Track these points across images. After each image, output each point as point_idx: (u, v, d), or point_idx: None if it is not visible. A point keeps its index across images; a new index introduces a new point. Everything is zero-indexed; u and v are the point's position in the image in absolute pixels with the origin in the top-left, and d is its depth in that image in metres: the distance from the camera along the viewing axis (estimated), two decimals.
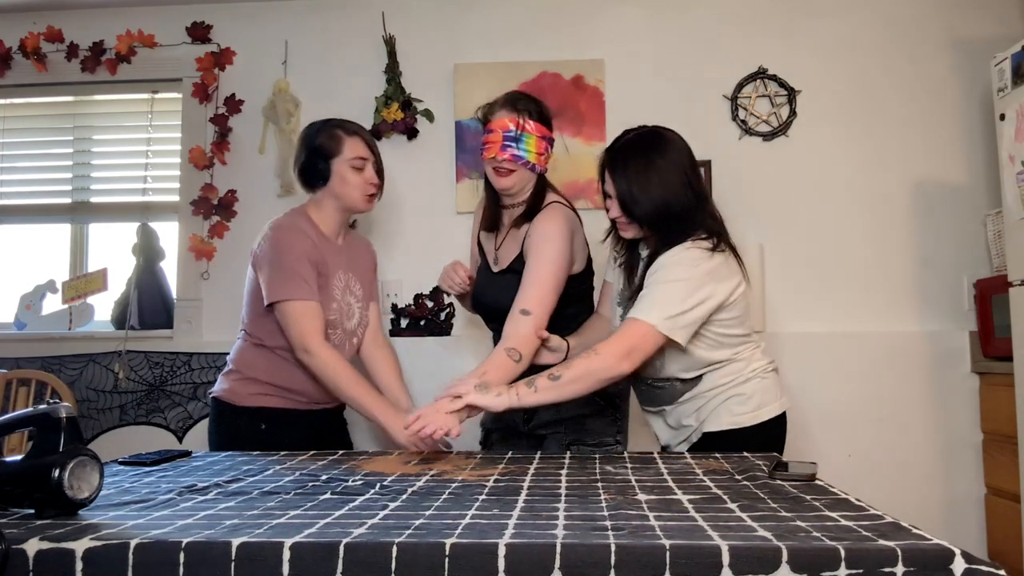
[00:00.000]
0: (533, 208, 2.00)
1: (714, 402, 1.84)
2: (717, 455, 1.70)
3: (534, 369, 1.82)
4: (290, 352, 2.04)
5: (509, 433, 2.12)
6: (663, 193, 1.79)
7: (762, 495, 1.26)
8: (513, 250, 2.03)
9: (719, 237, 1.81)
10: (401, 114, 2.92)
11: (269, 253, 2.04)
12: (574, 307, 2.05)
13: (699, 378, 1.85)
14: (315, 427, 2.14)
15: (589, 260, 2.09)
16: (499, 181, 1.99)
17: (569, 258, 1.96)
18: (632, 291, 1.85)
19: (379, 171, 2.16)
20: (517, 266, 1.99)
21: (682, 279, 1.74)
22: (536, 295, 1.88)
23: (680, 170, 1.82)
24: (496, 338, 2.14)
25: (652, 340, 1.74)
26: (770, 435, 1.84)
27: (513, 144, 1.93)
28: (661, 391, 1.91)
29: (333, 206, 2.13)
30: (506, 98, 2.01)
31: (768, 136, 2.88)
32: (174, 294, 3.03)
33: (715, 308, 1.77)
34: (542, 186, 2.04)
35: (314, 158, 2.10)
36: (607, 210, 1.89)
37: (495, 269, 2.09)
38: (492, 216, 2.09)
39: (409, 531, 1.03)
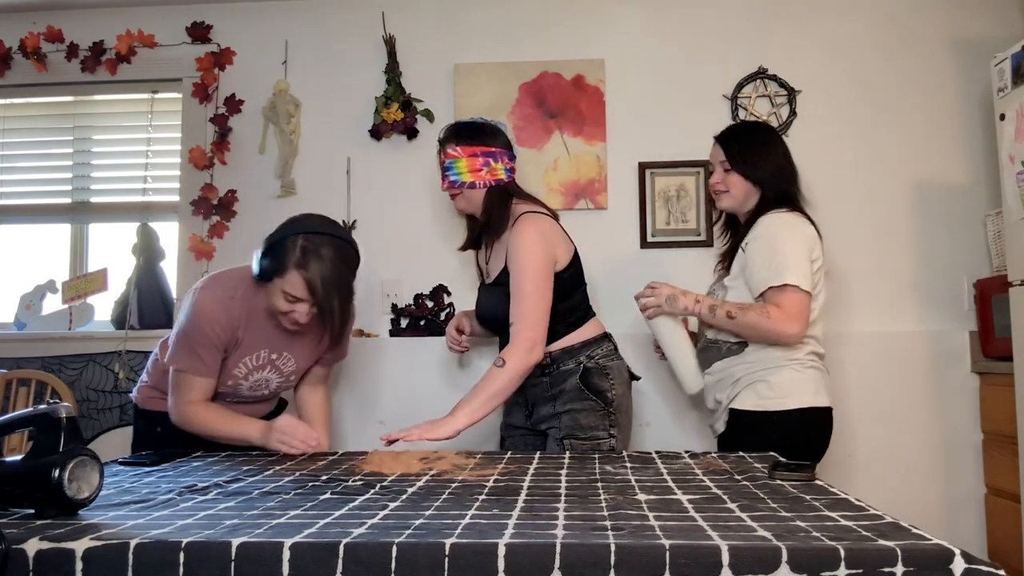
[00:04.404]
0: (496, 221, 2.10)
1: (743, 381, 1.98)
2: (713, 453, 1.71)
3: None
4: None
5: (514, 431, 2.24)
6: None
7: (762, 495, 1.27)
8: (498, 263, 2.12)
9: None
10: (401, 114, 2.91)
11: (184, 315, 1.94)
12: (564, 302, 2.09)
13: (743, 347, 1.99)
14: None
15: (575, 255, 2.14)
16: (455, 205, 2.18)
17: (548, 261, 2.02)
18: (728, 253, 2.13)
19: (325, 312, 1.87)
20: (503, 278, 2.07)
21: (797, 239, 1.95)
22: (518, 307, 2.00)
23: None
24: (502, 345, 2.20)
25: (805, 301, 1.92)
26: (797, 425, 1.93)
27: (446, 174, 2.11)
28: (710, 350, 2.08)
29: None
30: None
31: None
32: (174, 294, 3.03)
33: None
34: (505, 197, 2.11)
35: (264, 258, 1.89)
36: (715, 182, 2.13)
37: (487, 282, 2.20)
38: (470, 236, 2.25)
39: (409, 531, 1.03)
